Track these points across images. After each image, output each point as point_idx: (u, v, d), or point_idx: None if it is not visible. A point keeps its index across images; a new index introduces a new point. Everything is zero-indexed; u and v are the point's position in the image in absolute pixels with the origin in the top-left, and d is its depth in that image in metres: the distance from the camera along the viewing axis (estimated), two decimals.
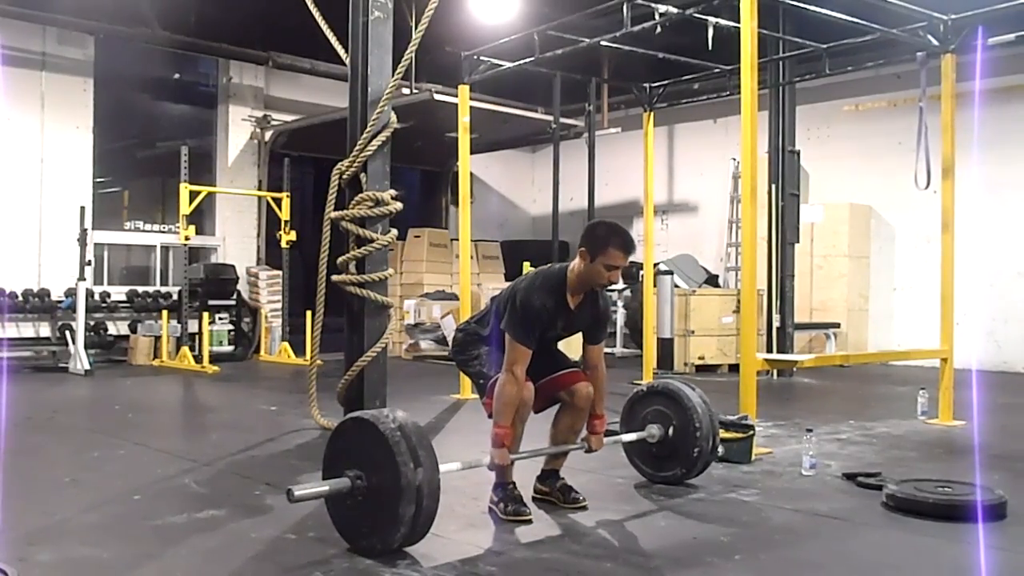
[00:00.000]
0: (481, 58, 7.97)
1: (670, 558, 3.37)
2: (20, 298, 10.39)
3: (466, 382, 7.82)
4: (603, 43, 7.41)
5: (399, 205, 6.34)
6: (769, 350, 9.34)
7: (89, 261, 10.02)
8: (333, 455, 3.44)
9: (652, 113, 8.93)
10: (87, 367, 9.55)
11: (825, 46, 7.66)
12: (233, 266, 11.97)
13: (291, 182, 11.82)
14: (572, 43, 7.51)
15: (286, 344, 11.50)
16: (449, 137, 9.62)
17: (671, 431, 4.35)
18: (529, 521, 3.69)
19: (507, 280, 12.26)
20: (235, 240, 12.74)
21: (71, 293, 10.21)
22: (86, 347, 9.79)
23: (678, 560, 3.35)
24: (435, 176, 15.34)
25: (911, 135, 6.57)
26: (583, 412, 4.00)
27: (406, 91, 10.69)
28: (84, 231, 9.92)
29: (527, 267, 10.71)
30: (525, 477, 4.00)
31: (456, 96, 8.08)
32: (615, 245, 3.72)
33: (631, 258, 3.98)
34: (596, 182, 12.30)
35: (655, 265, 9.25)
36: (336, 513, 3.43)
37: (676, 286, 10.38)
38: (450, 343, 3.90)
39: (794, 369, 9.40)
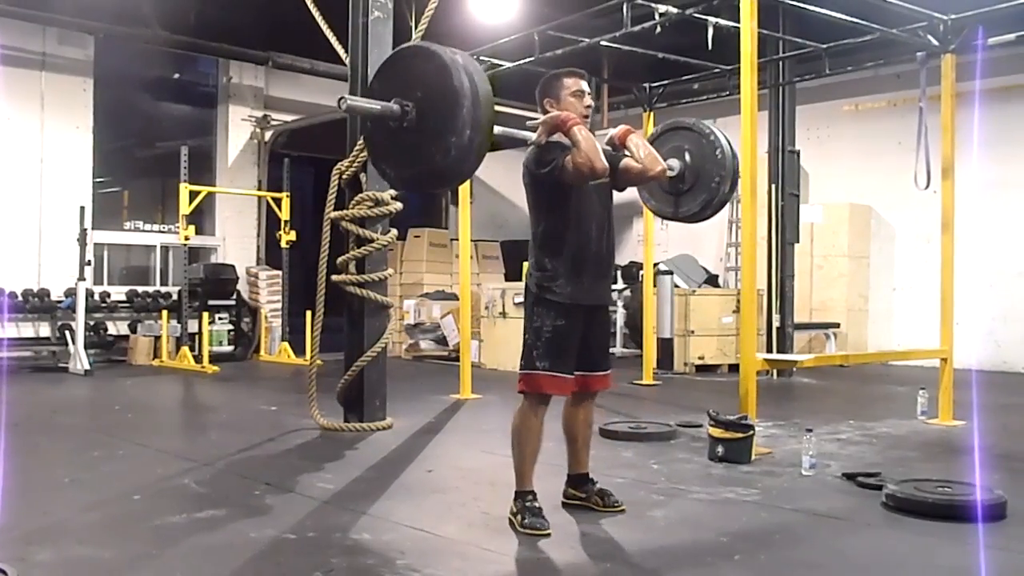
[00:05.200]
0: (481, 58, 7.97)
1: (670, 558, 3.37)
2: (20, 298, 10.39)
3: (466, 382, 7.82)
4: (603, 43, 7.41)
5: (399, 205, 6.38)
6: (769, 350, 9.34)
7: (89, 261, 10.02)
8: (382, 87, 3.50)
9: (652, 113, 8.93)
10: (87, 367, 9.55)
11: (825, 46, 7.66)
12: (233, 266, 11.97)
13: (291, 182, 11.81)
14: (572, 43, 7.51)
15: (286, 344, 11.50)
16: None
17: (689, 160, 4.22)
18: (547, 535, 3.53)
19: (507, 280, 12.26)
20: (235, 240, 12.74)
21: (71, 293, 10.21)
22: (86, 347, 9.79)
23: (678, 560, 3.35)
24: None
25: (911, 135, 6.57)
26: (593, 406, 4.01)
27: None
28: (84, 231, 9.92)
29: (527, 267, 10.71)
30: (546, 485, 3.89)
31: None
32: (565, 75, 3.85)
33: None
34: None
35: (655, 265, 9.25)
36: (379, 147, 3.54)
37: (676, 286, 10.37)
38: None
39: (794, 369, 9.40)
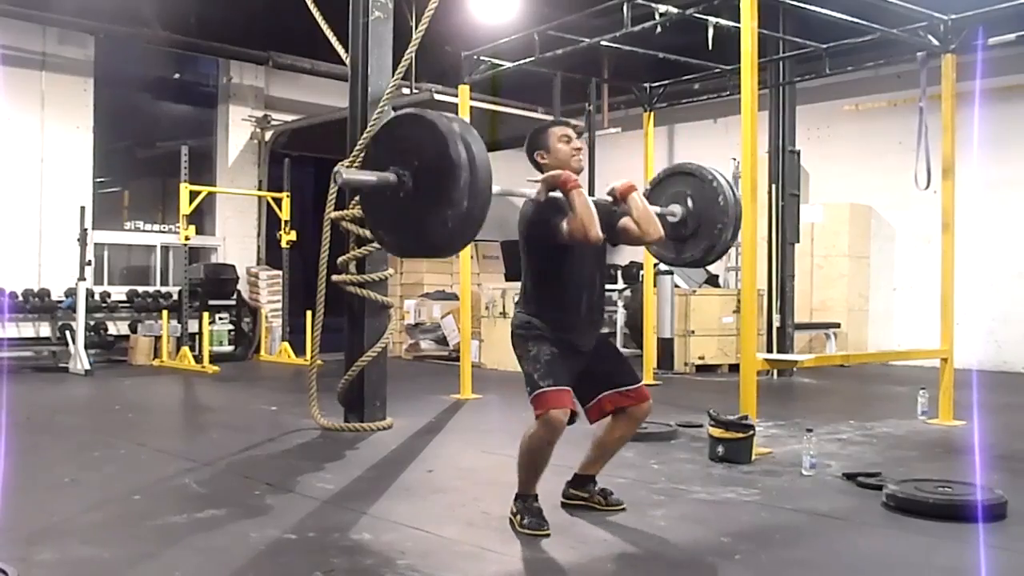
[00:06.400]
0: (481, 58, 7.98)
1: (670, 558, 3.37)
2: (20, 298, 10.39)
3: (466, 382, 7.83)
4: (603, 43, 7.41)
5: None
6: (769, 350, 9.34)
7: (89, 261, 10.01)
8: (379, 153, 3.50)
9: (652, 113, 8.93)
10: (87, 367, 9.55)
11: (825, 46, 7.66)
12: (233, 266, 11.97)
13: (291, 182, 11.81)
14: (572, 43, 7.51)
15: (286, 344, 11.50)
16: None
17: (692, 205, 4.21)
18: (547, 535, 3.54)
19: (507, 280, 12.26)
20: (235, 240, 12.74)
21: (71, 293, 10.21)
22: (86, 347, 9.79)
23: (678, 560, 3.36)
24: None
25: (911, 135, 6.57)
26: (637, 424, 3.98)
27: (406, 91, 10.69)
28: (84, 231, 9.92)
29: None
30: (547, 486, 3.86)
31: (456, 96, 8.08)
32: (550, 125, 3.87)
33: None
34: (596, 182, 12.28)
35: (655, 265, 9.25)
36: (376, 214, 3.54)
37: (676, 286, 10.37)
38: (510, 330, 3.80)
39: (794, 369, 9.40)
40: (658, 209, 4.24)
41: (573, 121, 3.92)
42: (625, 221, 3.86)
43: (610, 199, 3.90)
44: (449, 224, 3.26)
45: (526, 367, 3.70)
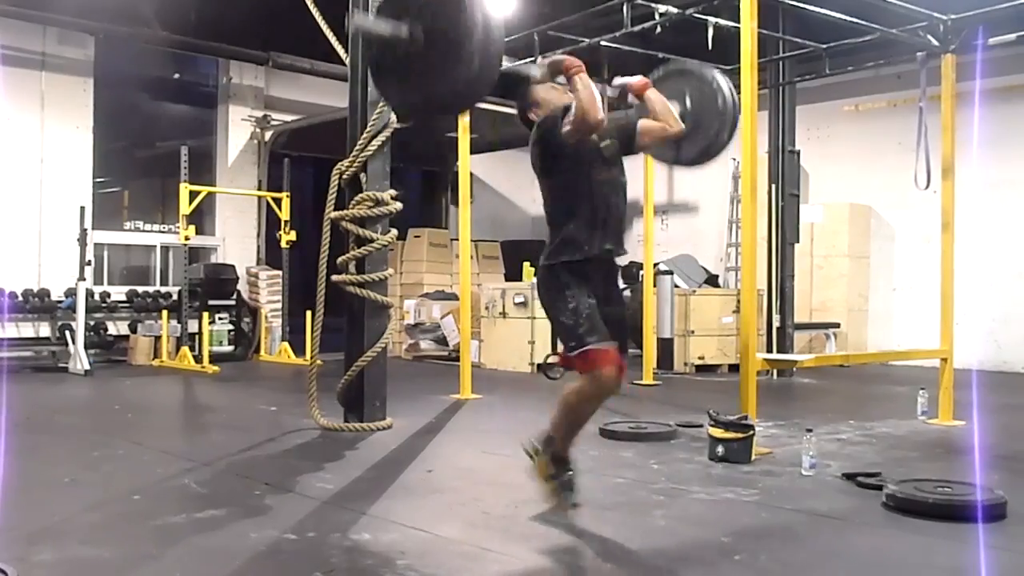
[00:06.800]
0: None
1: (670, 558, 3.37)
2: (20, 298, 10.39)
3: (466, 382, 7.82)
4: (603, 43, 7.41)
5: (399, 205, 6.37)
6: (769, 350, 9.34)
7: (89, 261, 10.02)
8: (391, 8, 3.41)
9: None
10: (87, 367, 9.55)
11: (825, 46, 7.66)
12: (233, 266, 11.97)
13: (291, 182, 11.81)
14: (572, 43, 7.50)
15: (286, 344, 11.50)
16: (449, 137, 9.62)
17: (690, 105, 4.18)
18: (570, 506, 3.48)
19: (507, 280, 12.27)
20: (235, 240, 12.74)
21: (71, 293, 10.21)
22: (86, 347, 9.79)
23: (678, 560, 3.35)
24: (435, 176, 15.34)
25: (911, 135, 6.57)
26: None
27: None
28: (84, 231, 9.92)
29: (527, 267, 10.73)
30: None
31: None
32: (533, 83, 3.81)
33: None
34: None
35: (655, 265, 9.26)
36: (383, 68, 3.45)
37: (676, 286, 10.38)
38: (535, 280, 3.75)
39: (794, 369, 9.40)
40: None
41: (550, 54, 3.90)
42: (644, 123, 3.80)
43: (619, 94, 3.86)
44: (459, 84, 3.24)
45: (565, 319, 3.57)
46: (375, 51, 3.57)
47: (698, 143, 4.30)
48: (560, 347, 3.68)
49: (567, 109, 3.65)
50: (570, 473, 3.63)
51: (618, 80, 3.91)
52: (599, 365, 3.48)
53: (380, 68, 3.60)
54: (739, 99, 4.43)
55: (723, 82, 4.29)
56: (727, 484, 4.47)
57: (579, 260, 3.64)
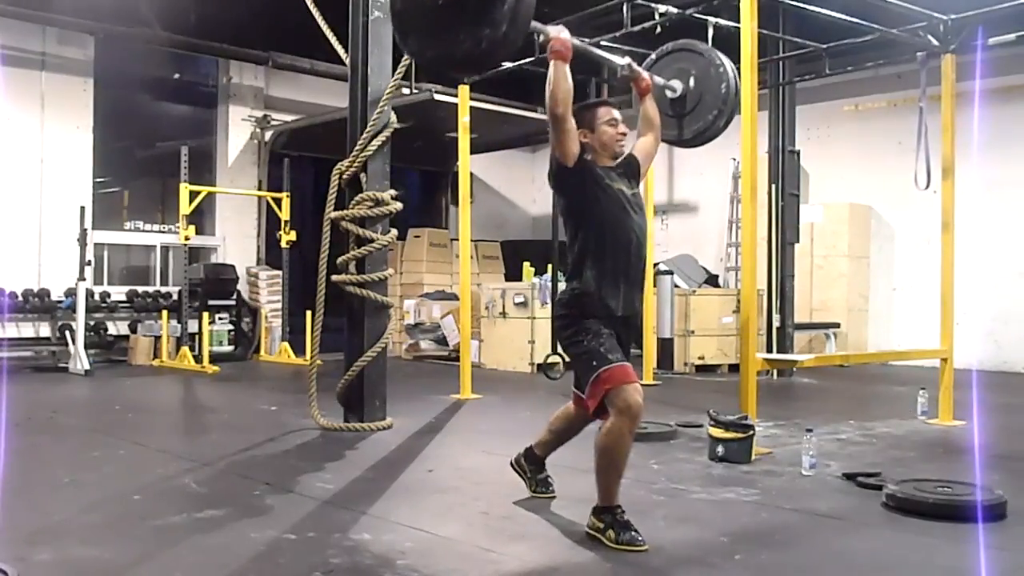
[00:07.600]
0: None
1: (670, 558, 3.36)
2: (20, 298, 10.39)
3: (466, 382, 7.82)
4: (603, 43, 7.40)
5: (399, 205, 6.38)
6: (769, 350, 9.34)
7: (89, 261, 10.02)
8: None
9: None
10: (87, 367, 9.55)
11: (825, 46, 7.66)
12: (233, 266, 11.97)
13: (291, 182, 11.82)
14: None
15: (286, 344, 11.51)
16: (449, 137, 9.62)
17: (693, 85, 4.19)
18: (645, 550, 3.37)
19: (507, 280, 12.27)
20: (235, 240, 12.74)
21: (71, 293, 10.21)
22: (86, 347, 9.79)
23: (678, 560, 3.35)
24: (435, 176, 15.34)
25: (911, 135, 6.57)
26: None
27: (406, 91, 10.68)
28: (84, 231, 9.92)
29: (527, 267, 10.74)
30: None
31: (456, 96, 8.08)
32: (600, 106, 3.85)
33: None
34: None
35: (655, 265, 9.26)
36: (407, 17, 3.44)
37: (676, 286, 10.38)
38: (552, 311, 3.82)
39: (794, 369, 9.40)
40: (660, 80, 4.20)
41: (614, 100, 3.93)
42: (640, 148, 3.96)
43: (626, 75, 3.92)
44: (484, 44, 3.20)
45: (588, 343, 3.59)
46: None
47: (694, 125, 4.31)
48: (586, 390, 3.64)
49: (616, 156, 3.76)
50: (625, 517, 3.52)
51: (630, 62, 3.93)
52: (621, 381, 3.49)
53: (404, 16, 3.53)
54: (740, 87, 4.44)
55: (730, 69, 4.29)
56: (727, 484, 4.47)
57: (603, 318, 3.66)
